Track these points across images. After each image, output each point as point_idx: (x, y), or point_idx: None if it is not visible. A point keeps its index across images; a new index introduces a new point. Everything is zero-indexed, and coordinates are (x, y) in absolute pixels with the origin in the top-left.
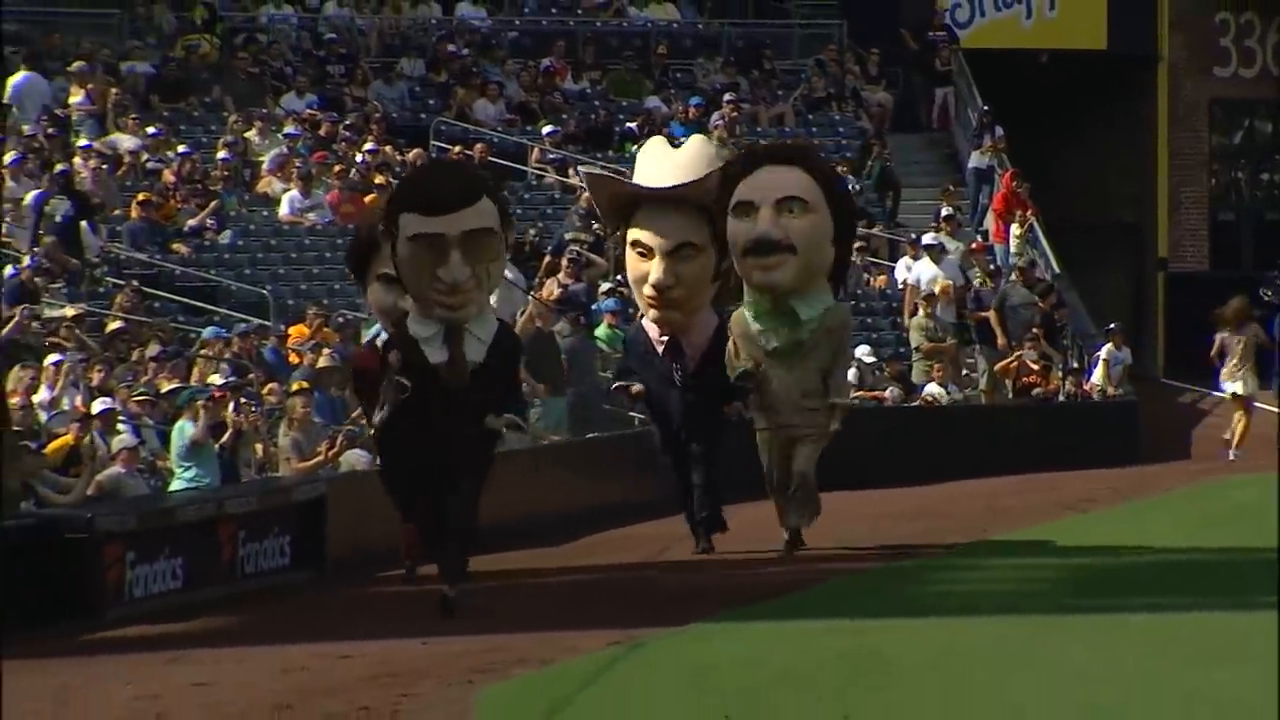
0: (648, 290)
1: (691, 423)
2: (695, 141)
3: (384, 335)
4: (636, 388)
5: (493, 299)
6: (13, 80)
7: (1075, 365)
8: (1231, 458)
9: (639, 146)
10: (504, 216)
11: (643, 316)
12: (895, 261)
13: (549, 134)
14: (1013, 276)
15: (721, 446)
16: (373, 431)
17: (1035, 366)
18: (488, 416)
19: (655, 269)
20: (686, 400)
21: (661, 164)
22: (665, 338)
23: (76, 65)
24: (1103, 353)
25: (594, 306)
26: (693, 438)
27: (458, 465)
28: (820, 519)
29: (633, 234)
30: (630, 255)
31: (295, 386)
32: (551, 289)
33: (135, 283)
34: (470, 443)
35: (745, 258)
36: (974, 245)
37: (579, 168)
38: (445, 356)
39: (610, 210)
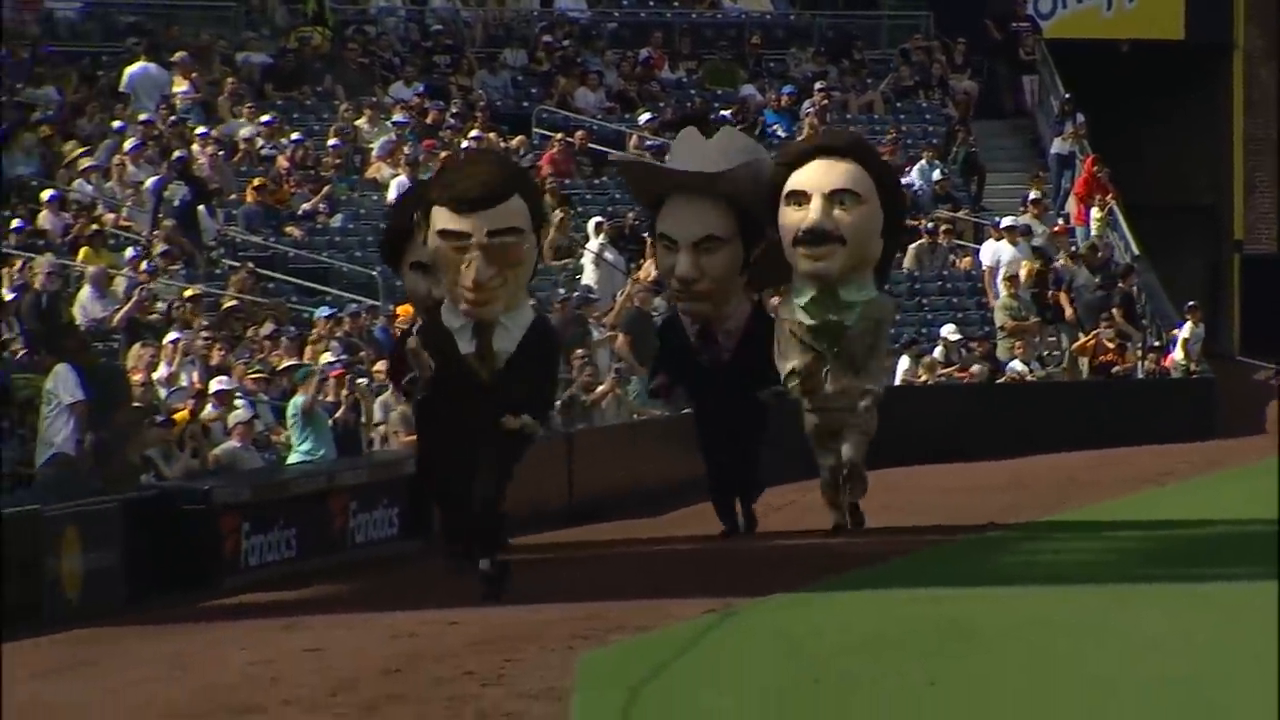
0: (674, 282)
1: (729, 408)
2: (726, 132)
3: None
4: (657, 381)
5: (589, 277)
6: (130, 70)
7: (1155, 344)
8: None
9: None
10: (536, 213)
11: (673, 310)
12: (980, 244)
13: (646, 121)
14: (1061, 260)
15: (766, 429)
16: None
17: (1111, 345)
18: (505, 417)
19: (680, 262)
20: (722, 387)
21: (692, 153)
22: (697, 326)
23: (179, 55)
24: (1182, 331)
25: None
26: (732, 423)
27: (485, 454)
28: (906, 492)
29: (660, 226)
30: (659, 247)
31: None
32: (649, 270)
33: (250, 264)
34: (499, 433)
35: (795, 246)
36: (1056, 228)
37: (610, 155)
38: (473, 348)
39: (642, 197)
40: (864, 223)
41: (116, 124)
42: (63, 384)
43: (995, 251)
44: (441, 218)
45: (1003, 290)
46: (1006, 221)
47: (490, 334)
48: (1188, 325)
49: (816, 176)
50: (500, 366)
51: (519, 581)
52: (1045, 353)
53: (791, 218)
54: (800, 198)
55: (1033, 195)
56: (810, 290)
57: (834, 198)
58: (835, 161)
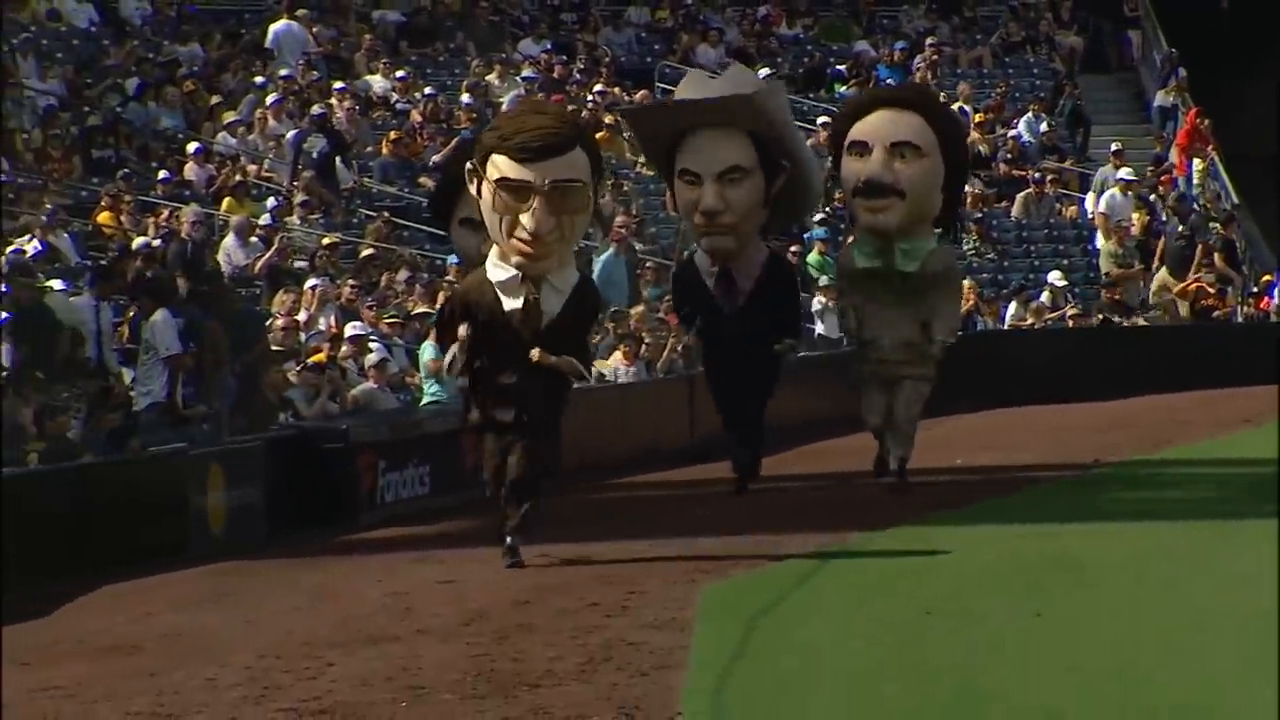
0: (698, 217)
1: (744, 356)
2: (734, 68)
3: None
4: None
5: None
6: (274, 27)
7: (1254, 289)
8: None
9: (848, 87)
10: (595, 167)
11: (693, 251)
12: (1084, 193)
13: (765, 76)
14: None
15: (777, 380)
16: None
17: (1212, 290)
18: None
19: (705, 194)
20: (738, 332)
21: (701, 89)
22: (715, 269)
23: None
24: None
25: (806, 235)
26: (742, 371)
27: (528, 416)
28: (1012, 432)
29: (681, 161)
30: (679, 184)
31: None
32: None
33: (385, 214)
34: (540, 393)
35: (855, 197)
36: (1161, 179)
37: (615, 109)
38: (520, 303)
39: (654, 145)
40: (924, 176)
41: (259, 79)
42: (160, 335)
43: (1108, 200)
44: (501, 166)
45: (1109, 237)
46: (1123, 173)
47: (538, 291)
48: None
49: (878, 127)
50: (542, 326)
51: (641, 518)
52: (1148, 298)
53: (852, 168)
54: (862, 148)
55: (1114, 147)
56: (870, 241)
57: (895, 150)
58: (898, 112)
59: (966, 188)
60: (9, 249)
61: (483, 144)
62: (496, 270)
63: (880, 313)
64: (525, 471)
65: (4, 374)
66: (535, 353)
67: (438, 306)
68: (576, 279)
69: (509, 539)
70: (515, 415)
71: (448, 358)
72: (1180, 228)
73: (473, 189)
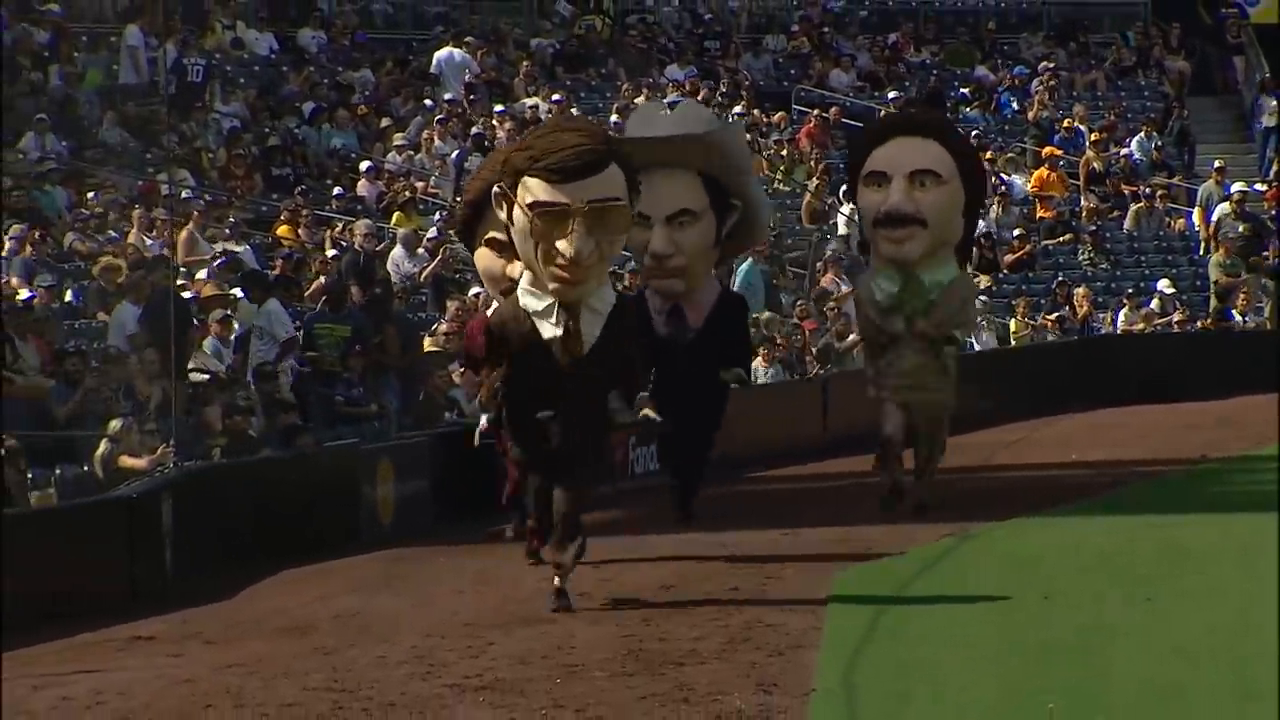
0: (648, 259)
1: (690, 388)
2: (687, 104)
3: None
4: None
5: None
6: (438, 54)
7: None
8: None
9: (972, 109)
10: (631, 184)
11: (645, 287)
12: (1191, 208)
13: (893, 98)
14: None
15: (723, 412)
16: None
17: None
18: (614, 409)
19: (655, 237)
20: (686, 368)
21: (652, 126)
22: (665, 308)
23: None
24: None
25: None
26: (690, 404)
27: (573, 449)
28: (1124, 429)
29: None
30: None
31: None
32: None
33: None
34: (582, 423)
35: (876, 229)
36: (1267, 194)
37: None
38: (560, 331)
39: None
40: (945, 203)
41: (426, 102)
42: (276, 320)
43: (1219, 212)
44: (535, 189)
45: (1219, 248)
46: (1237, 187)
47: (577, 316)
48: None
49: (897, 156)
50: (584, 352)
51: (775, 509)
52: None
53: (871, 199)
54: (880, 178)
55: (1216, 164)
56: (890, 274)
57: (915, 178)
58: (916, 140)
59: (1083, 201)
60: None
61: (512, 165)
62: (530, 298)
63: (899, 341)
64: (573, 507)
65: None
66: (619, 416)
67: (466, 339)
68: (614, 300)
69: (558, 580)
70: (558, 448)
71: (480, 395)
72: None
73: (501, 214)
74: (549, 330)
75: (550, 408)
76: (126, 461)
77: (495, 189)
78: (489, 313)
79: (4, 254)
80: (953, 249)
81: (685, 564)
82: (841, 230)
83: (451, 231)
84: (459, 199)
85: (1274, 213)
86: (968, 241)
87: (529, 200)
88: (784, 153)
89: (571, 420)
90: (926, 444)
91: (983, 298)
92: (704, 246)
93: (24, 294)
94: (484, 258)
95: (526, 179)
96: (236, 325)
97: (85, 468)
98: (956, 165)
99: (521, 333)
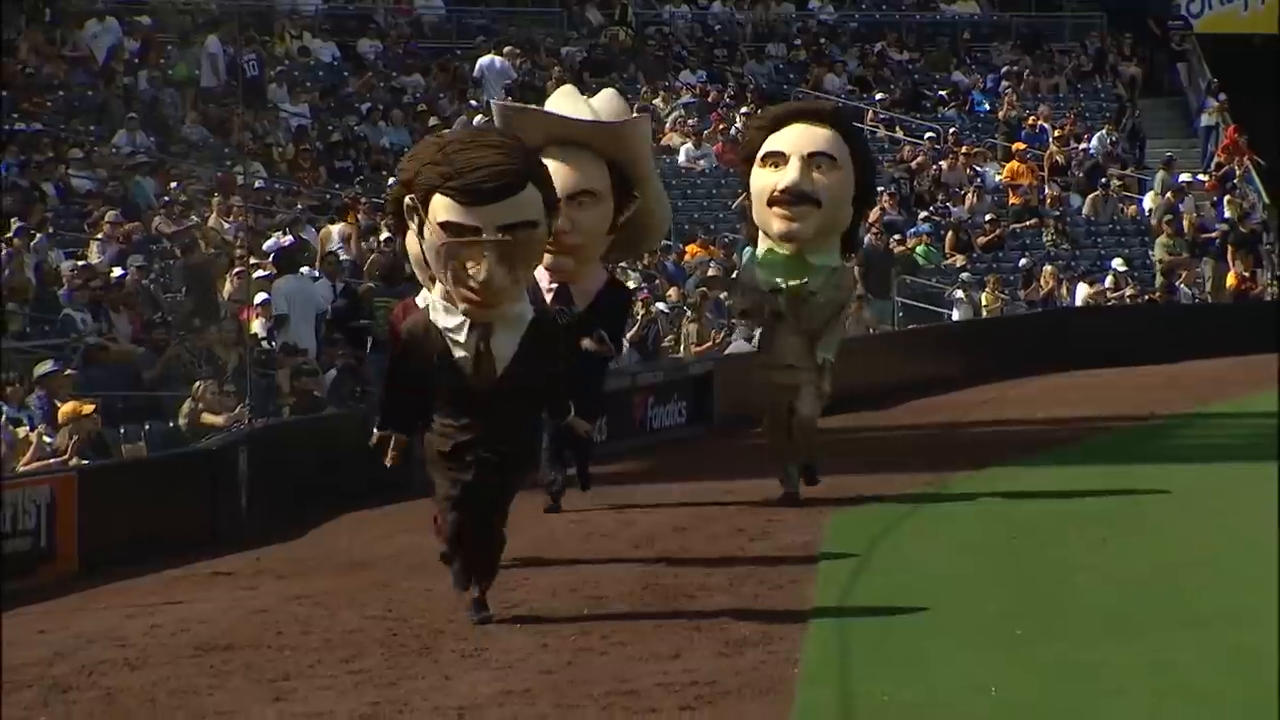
0: None
1: (576, 369)
2: (608, 93)
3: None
4: None
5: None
6: (481, 60)
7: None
8: None
9: (948, 109)
10: (548, 202)
11: None
12: (1142, 195)
13: (879, 100)
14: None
15: (601, 385)
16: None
17: (1247, 275)
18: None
19: None
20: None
21: (574, 108)
22: (554, 285)
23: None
24: None
25: (910, 230)
26: (573, 385)
27: (493, 475)
28: (1082, 390)
29: None
30: None
31: (698, 293)
32: (878, 215)
33: None
34: (504, 435)
35: (771, 206)
36: (1208, 184)
37: (492, 100)
38: (472, 351)
39: None
40: (838, 187)
41: (470, 103)
42: (317, 294)
43: (1165, 200)
44: (444, 209)
45: (1163, 232)
46: (1183, 178)
47: (489, 337)
48: None
49: (796, 139)
50: (498, 373)
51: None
52: (1197, 280)
53: (767, 178)
54: (778, 158)
55: (1167, 155)
56: (778, 252)
57: (812, 160)
58: (814, 126)
59: (1047, 190)
60: (266, 242)
61: (422, 179)
62: (442, 314)
63: (778, 325)
64: (490, 525)
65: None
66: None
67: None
68: (530, 314)
69: (474, 593)
70: (479, 468)
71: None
72: (1221, 225)
73: (412, 225)
74: (460, 351)
75: (467, 429)
76: (207, 418)
77: (406, 201)
78: (415, 301)
79: (100, 237)
80: (839, 237)
81: (696, 509)
82: None
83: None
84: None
85: (1214, 200)
86: (854, 233)
87: (440, 219)
88: None
89: (488, 436)
90: (802, 428)
91: (964, 275)
92: (599, 229)
93: (117, 272)
94: (413, 244)
95: (437, 197)
96: (281, 303)
97: (171, 424)
98: (851, 154)
99: (433, 350)
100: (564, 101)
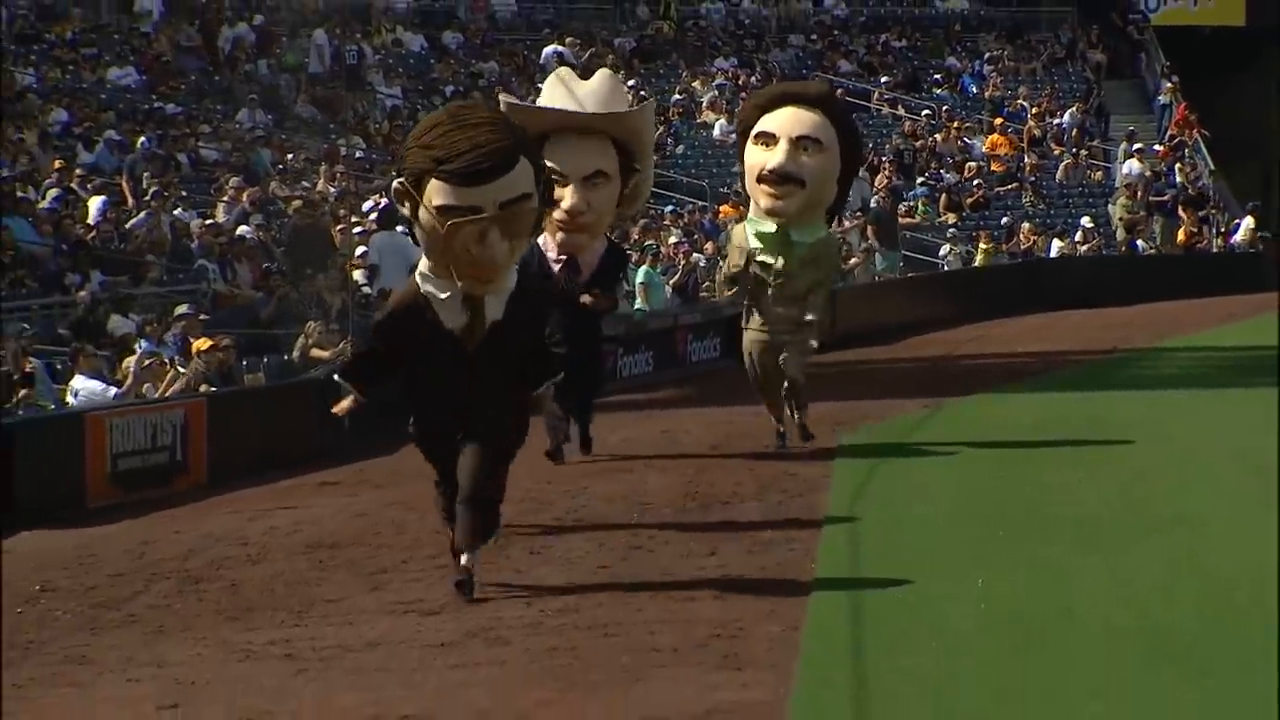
0: (559, 215)
1: (579, 329)
2: (603, 74)
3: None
4: None
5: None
6: (545, 49)
7: (1223, 230)
8: None
9: (942, 90)
10: (539, 174)
11: (538, 236)
12: (1108, 163)
13: (884, 82)
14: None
15: (605, 348)
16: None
17: (1195, 230)
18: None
19: (569, 195)
20: (575, 315)
21: (574, 93)
22: (564, 256)
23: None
24: (1244, 222)
25: (910, 193)
26: (580, 350)
27: (480, 434)
28: (1055, 329)
29: (549, 160)
30: None
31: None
32: (884, 181)
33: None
34: (493, 410)
35: (760, 184)
36: (1162, 152)
37: (501, 96)
38: (464, 320)
39: None
40: (823, 169)
41: (538, 86)
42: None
43: (1127, 167)
44: (442, 192)
45: (1123, 194)
46: (1136, 146)
47: (482, 306)
48: (1248, 219)
49: (786, 121)
50: (484, 337)
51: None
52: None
53: (758, 157)
54: (769, 139)
55: (1129, 129)
56: (766, 225)
57: (800, 143)
58: (804, 109)
59: (1026, 159)
60: (364, 204)
61: (413, 163)
62: (432, 286)
63: (766, 290)
64: (475, 486)
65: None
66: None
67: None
68: (514, 280)
69: (464, 561)
70: (465, 431)
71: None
72: (1171, 189)
73: (404, 210)
74: (451, 320)
75: (456, 395)
76: (316, 353)
77: (396, 185)
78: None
79: (225, 199)
80: (824, 210)
81: (730, 427)
82: None
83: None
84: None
85: (1165, 166)
86: (839, 205)
87: (437, 203)
88: None
89: (476, 402)
90: (792, 387)
91: (952, 230)
92: (610, 206)
93: (240, 229)
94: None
95: (433, 181)
96: (375, 254)
97: (286, 357)
98: (838, 136)
99: (422, 319)
100: (559, 86)
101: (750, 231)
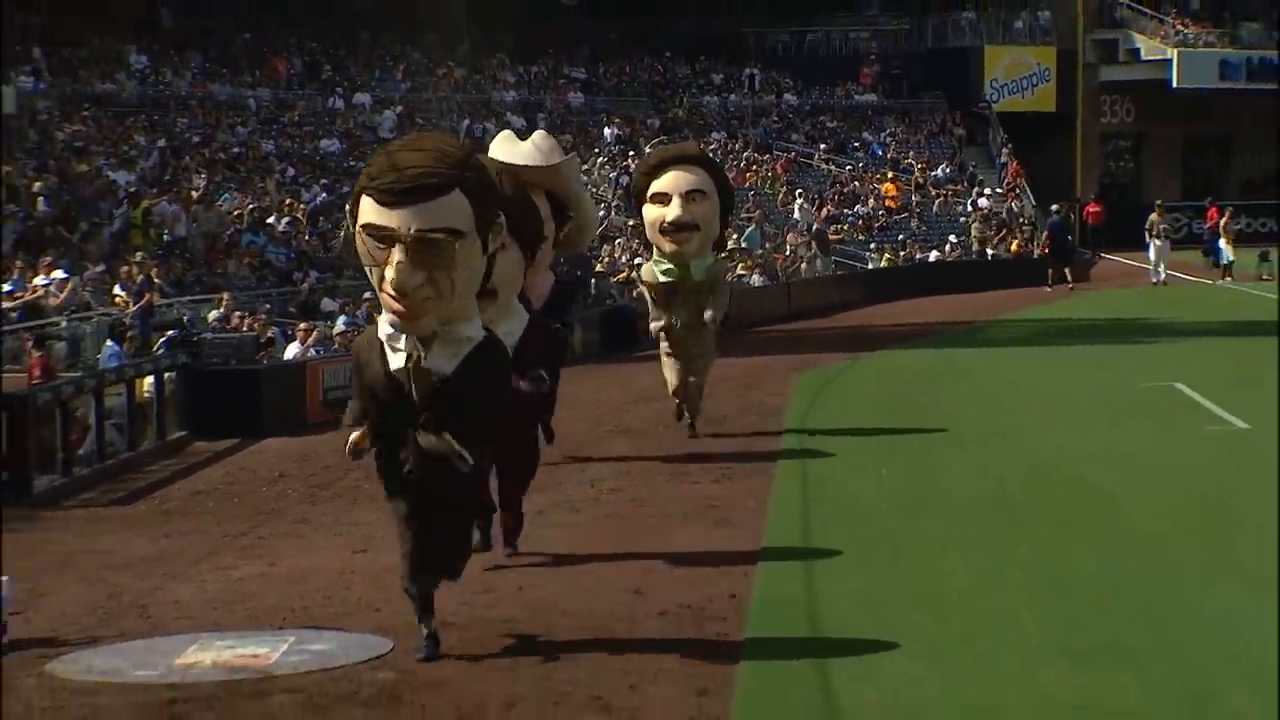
0: None
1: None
2: (541, 134)
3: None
4: None
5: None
6: (606, 130)
7: (1040, 245)
8: (1154, 281)
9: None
10: (483, 214)
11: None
12: (967, 200)
13: (822, 149)
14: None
15: (559, 369)
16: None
17: (1022, 244)
18: (441, 436)
19: None
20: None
21: (516, 150)
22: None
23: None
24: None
25: (841, 220)
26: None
27: (425, 490)
28: (933, 307)
29: None
30: None
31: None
32: (825, 212)
33: None
34: (437, 465)
35: (662, 234)
36: (1006, 195)
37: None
38: (402, 362)
39: None
40: (709, 213)
41: (595, 150)
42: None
43: (980, 203)
44: (367, 210)
45: (978, 221)
46: (986, 190)
47: (424, 349)
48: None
49: (675, 181)
50: (432, 387)
51: (768, 345)
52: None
53: (656, 212)
54: (663, 198)
55: (980, 179)
56: (670, 263)
57: (689, 196)
58: (687, 168)
59: (914, 198)
60: None
61: (359, 181)
62: (386, 325)
63: (676, 309)
64: (420, 561)
65: None
66: (431, 440)
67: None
68: (480, 337)
69: (425, 630)
70: (417, 489)
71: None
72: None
73: (354, 229)
74: (395, 360)
75: (403, 438)
76: None
77: (347, 205)
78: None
79: None
80: (711, 242)
81: (720, 373)
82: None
83: None
84: None
85: (1005, 203)
86: (723, 237)
87: (362, 222)
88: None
89: (428, 455)
90: (694, 387)
91: (869, 244)
92: (548, 248)
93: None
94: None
95: (363, 198)
96: None
97: None
98: (715, 185)
99: (375, 361)
100: (504, 145)
101: (658, 270)
